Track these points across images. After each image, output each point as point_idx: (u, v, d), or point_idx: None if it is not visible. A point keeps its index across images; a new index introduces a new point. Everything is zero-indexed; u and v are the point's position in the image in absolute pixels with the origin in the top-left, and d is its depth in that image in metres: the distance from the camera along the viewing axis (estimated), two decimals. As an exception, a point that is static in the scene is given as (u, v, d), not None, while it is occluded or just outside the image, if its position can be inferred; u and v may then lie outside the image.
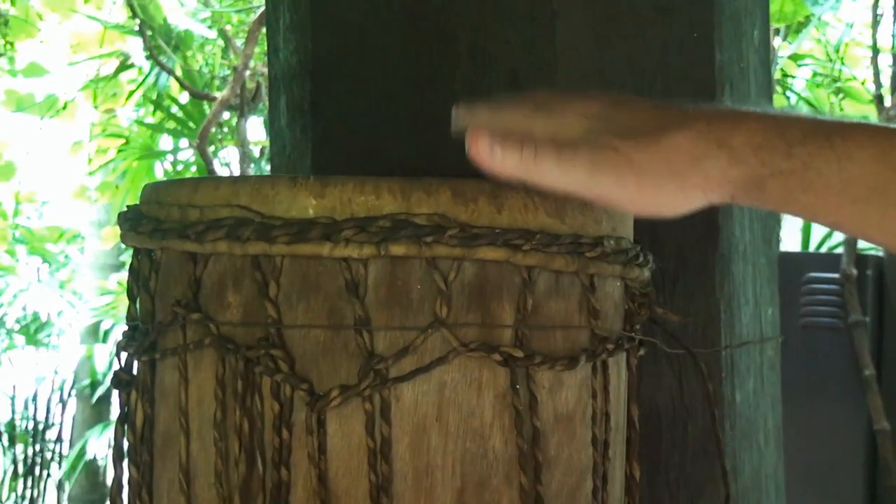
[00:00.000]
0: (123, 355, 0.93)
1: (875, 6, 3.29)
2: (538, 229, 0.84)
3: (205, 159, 4.02)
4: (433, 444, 0.82)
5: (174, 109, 4.51)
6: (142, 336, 0.90)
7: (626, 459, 0.95)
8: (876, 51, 3.22)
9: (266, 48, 1.42)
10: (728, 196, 0.81)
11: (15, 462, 5.39)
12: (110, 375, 4.37)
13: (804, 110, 3.82)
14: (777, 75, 3.58)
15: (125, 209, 0.94)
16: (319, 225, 0.81)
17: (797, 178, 0.78)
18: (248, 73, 4.13)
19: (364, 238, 0.81)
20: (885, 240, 0.80)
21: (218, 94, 4.17)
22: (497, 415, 0.83)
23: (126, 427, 0.91)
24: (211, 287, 0.85)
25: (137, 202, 0.94)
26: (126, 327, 0.93)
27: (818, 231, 3.88)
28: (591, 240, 0.86)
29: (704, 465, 1.17)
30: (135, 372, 0.92)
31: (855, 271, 3.18)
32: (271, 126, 1.42)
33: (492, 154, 0.83)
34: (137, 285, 0.92)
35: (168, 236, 0.87)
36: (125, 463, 0.92)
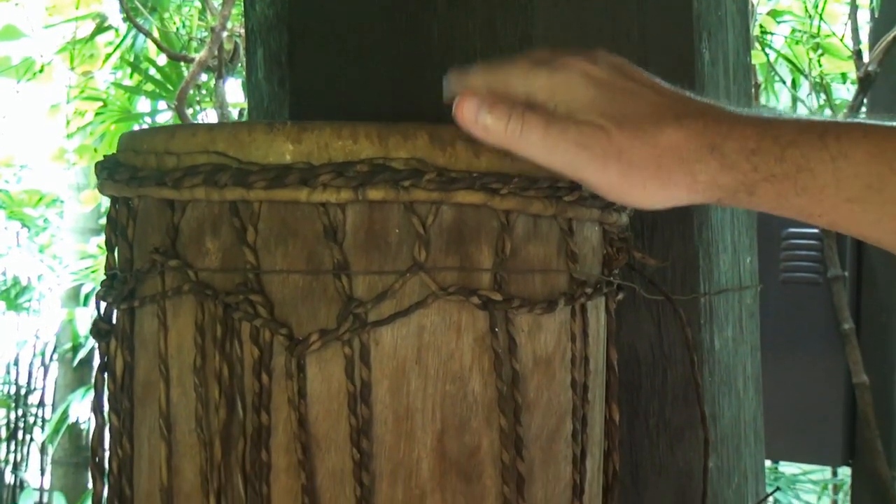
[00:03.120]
0: (102, 305, 0.93)
1: (853, -39, 3.29)
2: (516, 173, 0.84)
3: (183, 121, 4.00)
4: (413, 387, 0.82)
5: (152, 72, 4.47)
6: (120, 284, 0.90)
7: (606, 403, 0.96)
8: (854, 6, 3.21)
9: (243, 6, 1.41)
10: (714, 199, 0.81)
11: (-2, 426, 5.39)
12: (92, 338, 4.35)
13: (783, 66, 3.83)
14: (756, 31, 3.58)
15: (102, 159, 0.94)
16: (297, 170, 0.81)
17: (790, 182, 0.77)
18: (225, 34, 4.10)
19: (341, 183, 0.81)
20: (881, 237, 0.79)
21: (195, 56, 4.14)
22: (476, 358, 0.84)
23: (106, 376, 0.91)
24: (189, 234, 0.85)
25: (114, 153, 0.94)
26: (104, 276, 0.93)
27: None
28: (569, 184, 0.86)
29: (684, 411, 1.18)
30: (114, 321, 0.92)
31: (834, 226, 3.18)
32: (248, 80, 1.41)
33: (477, 119, 0.82)
34: (115, 234, 0.92)
35: (145, 184, 0.86)
36: (105, 412, 0.92)
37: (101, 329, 0.92)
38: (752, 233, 1.38)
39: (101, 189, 0.93)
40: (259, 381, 0.82)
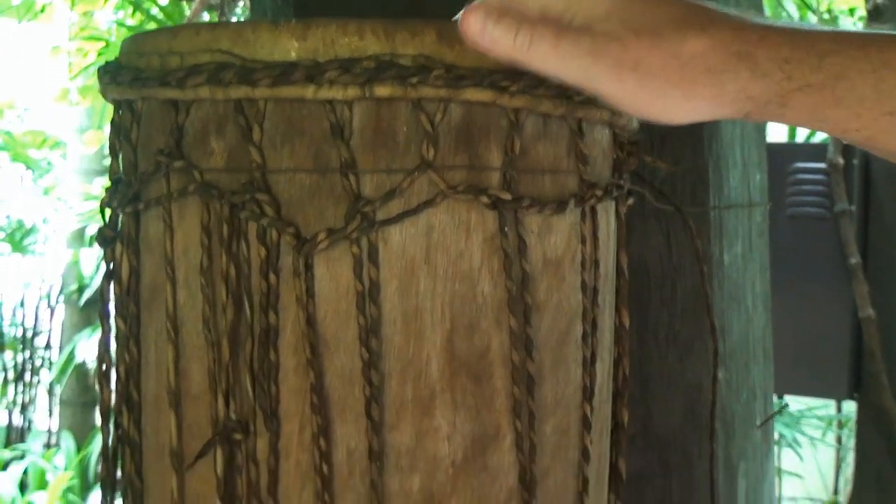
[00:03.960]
0: (107, 211, 0.92)
1: None
2: (525, 71, 0.82)
3: (186, 59, 3.97)
4: (422, 287, 0.82)
5: (154, 11, 4.44)
6: (125, 188, 0.89)
7: (616, 308, 0.95)
8: (864, -63, 3.18)
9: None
10: (742, 112, 0.76)
11: (5, 369, 5.41)
12: (98, 278, 4.35)
13: (790, 2, 3.79)
14: (764, -35, 3.54)
15: (104, 64, 0.93)
16: (302, 67, 0.80)
17: (827, 92, 0.73)
18: (227, -29, 4.06)
19: (348, 79, 0.79)
20: None
21: (198, -6, 4.11)
22: (486, 258, 0.83)
23: (112, 282, 0.91)
24: (194, 134, 0.84)
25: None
26: (109, 182, 0.92)
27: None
28: (579, 83, 0.85)
29: (693, 323, 1.18)
30: (119, 227, 0.91)
31: (841, 160, 3.17)
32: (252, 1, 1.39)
33: (483, 32, 0.78)
34: (119, 139, 0.91)
35: (149, 84, 0.85)
36: (112, 319, 0.91)
37: (106, 235, 0.92)
38: (762, 151, 1.37)
39: (104, 93, 0.91)
40: (266, 281, 0.81)
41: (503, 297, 0.83)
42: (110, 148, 0.93)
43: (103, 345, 0.92)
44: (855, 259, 3.09)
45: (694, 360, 1.18)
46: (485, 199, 0.82)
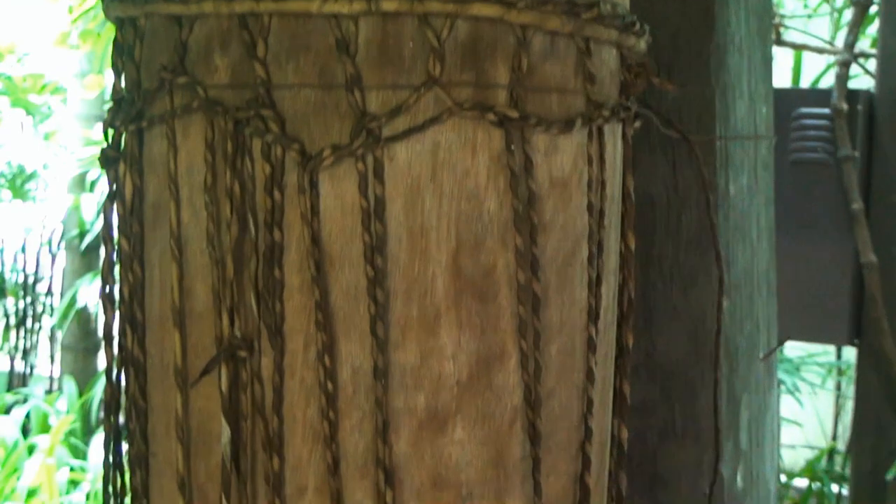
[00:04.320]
0: (110, 132, 0.91)
1: None
2: (533, -12, 0.81)
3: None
4: (427, 205, 0.81)
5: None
6: (128, 107, 0.88)
7: (622, 232, 0.95)
8: None
9: None
10: None
11: (6, 315, 5.41)
12: (99, 223, 4.33)
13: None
14: None
15: (107, -18, 0.91)
16: (308, -19, 0.79)
17: None
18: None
19: (354, -7, 0.78)
20: None
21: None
22: (492, 176, 0.82)
23: (115, 203, 0.90)
24: (197, 51, 0.83)
25: None
26: (112, 102, 0.91)
27: (810, 68, 3.84)
28: (587, 1, 0.84)
29: (697, 254, 1.17)
30: (122, 148, 0.90)
31: (845, 106, 3.15)
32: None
33: None
34: (122, 58, 0.90)
35: (152, 0, 0.84)
36: (115, 240, 0.91)
37: (108, 156, 0.91)
38: (769, 86, 1.36)
39: (107, 11, 0.90)
40: (271, 198, 0.81)
41: (509, 216, 0.83)
42: (113, 67, 0.92)
43: (107, 266, 0.92)
44: (857, 205, 3.08)
45: (698, 292, 1.17)
46: (491, 117, 0.81)
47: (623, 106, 0.91)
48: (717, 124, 1.18)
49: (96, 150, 4.57)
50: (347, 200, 0.80)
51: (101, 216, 0.90)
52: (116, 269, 0.92)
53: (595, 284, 0.89)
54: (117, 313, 0.92)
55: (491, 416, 0.83)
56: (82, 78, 4.96)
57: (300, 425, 0.82)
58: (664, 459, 1.19)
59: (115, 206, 0.91)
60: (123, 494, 0.95)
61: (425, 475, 0.82)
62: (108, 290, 0.92)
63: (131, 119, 0.87)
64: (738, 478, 1.24)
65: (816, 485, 3.88)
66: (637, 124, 0.94)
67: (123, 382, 0.92)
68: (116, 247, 0.91)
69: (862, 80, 3.52)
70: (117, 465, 0.94)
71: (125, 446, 0.93)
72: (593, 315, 0.89)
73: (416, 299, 0.81)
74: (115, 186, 0.91)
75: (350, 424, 0.82)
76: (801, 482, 4.01)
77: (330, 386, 0.81)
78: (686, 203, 1.17)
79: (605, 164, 0.89)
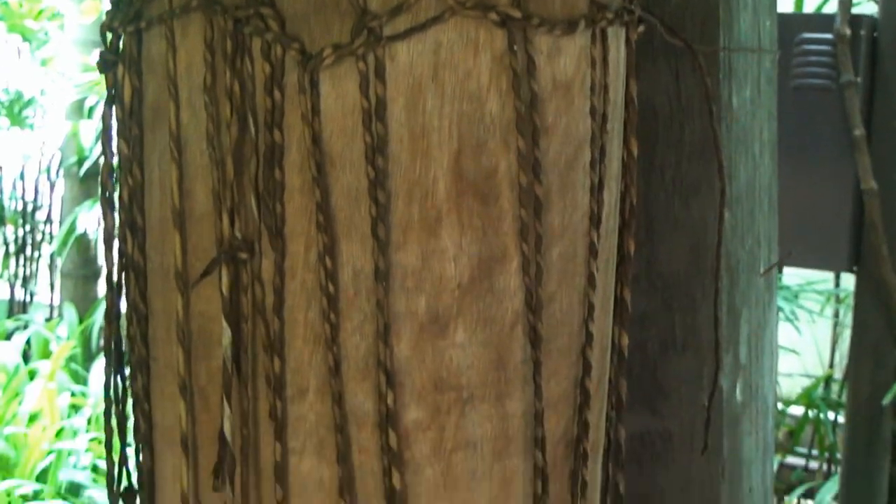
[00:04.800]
0: (108, 35, 0.90)
1: None
2: None
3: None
4: (429, 105, 0.80)
5: None
6: (126, 6, 0.87)
7: (624, 138, 0.94)
8: None
9: None
10: None
11: (6, 243, 5.40)
12: (97, 149, 4.31)
13: None
14: None
15: None
16: None
17: None
18: None
19: None
20: None
21: None
22: (494, 77, 0.81)
23: (114, 105, 0.89)
24: (196, -52, 0.82)
25: None
26: (110, 4, 0.90)
27: (813, -6, 3.80)
28: None
29: (700, 165, 1.17)
30: (120, 50, 0.89)
31: (848, 31, 3.12)
32: None
33: None
34: (119, -42, 0.89)
35: None
36: (114, 144, 0.90)
37: (106, 59, 0.90)
38: (773, -1, 1.34)
39: None
40: (271, 98, 0.80)
41: (511, 118, 0.82)
42: (110, -31, 0.91)
43: (105, 171, 0.91)
44: (859, 131, 3.07)
45: (700, 202, 1.17)
46: (494, 17, 0.80)
47: (627, 9, 0.90)
48: (720, 34, 1.17)
49: (94, 77, 4.53)
50: (348, 101, 0.79)
51: (101, 130, 0.89)
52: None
53: (597, 189, 0.88)
54: (116, 218, 0.91)
55: (492, 320, 0.83)
56: (80, 3, 4.91)
57: (301, 327, 0.82)
58: (664, 370, 1.20)
59: (113, 111, 0.90)
60: (125, 402, 0.96)
61: (426, 377, 0.83)
62: (107, 195, 0.91)
63: (129, 20, 0.86)
64: (738, 391, 1.24)
65: (813, 412, 3.90)
66: (640, 29, 0.93)
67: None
68: (115, 151, 0.90)
69: (866, 6, 3.48)
70: (118, 373, 0.94)
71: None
72: (595, 220, 0.88)
73: (417, 200, 0.81)
74: (113, 90, 0.90)
75: (351, 326, 0.82)
76: (798, 409, 4.03)
77: (331, 288, 0.81)
78: (689, 113, 1.16)
79: (609, 67, 0.88)
